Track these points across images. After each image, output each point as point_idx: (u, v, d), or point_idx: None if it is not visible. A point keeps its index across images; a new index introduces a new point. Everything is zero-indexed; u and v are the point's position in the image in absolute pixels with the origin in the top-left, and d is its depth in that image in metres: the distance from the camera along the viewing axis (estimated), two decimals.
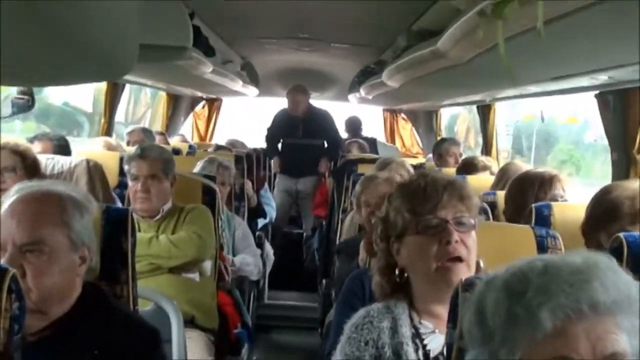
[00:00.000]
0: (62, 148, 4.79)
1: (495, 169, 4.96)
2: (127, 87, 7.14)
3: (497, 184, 4.21)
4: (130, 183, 3.80)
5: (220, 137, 9.72)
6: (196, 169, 5.04)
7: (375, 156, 7.28)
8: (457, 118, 9.77)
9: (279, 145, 8.12)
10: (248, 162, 6.69)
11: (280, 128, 7.98)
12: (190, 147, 7.58)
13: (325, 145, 8.07)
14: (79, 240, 2.03)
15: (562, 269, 1.25)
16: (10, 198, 2.01)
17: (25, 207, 1.97)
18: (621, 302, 1.23)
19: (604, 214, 2.67)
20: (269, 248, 6.61)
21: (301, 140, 7.84)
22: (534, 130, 7.78)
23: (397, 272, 2.08)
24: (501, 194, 3.92)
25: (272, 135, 8.09)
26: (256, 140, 8.74)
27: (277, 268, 7.19)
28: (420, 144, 9.87)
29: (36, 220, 1.96)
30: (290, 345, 6.29)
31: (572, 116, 6.58)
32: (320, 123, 7.97)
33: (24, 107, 3.42)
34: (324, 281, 4.92)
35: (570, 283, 1.23)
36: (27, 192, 2.02)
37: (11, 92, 3.57)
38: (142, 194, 3.71)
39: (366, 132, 9.85)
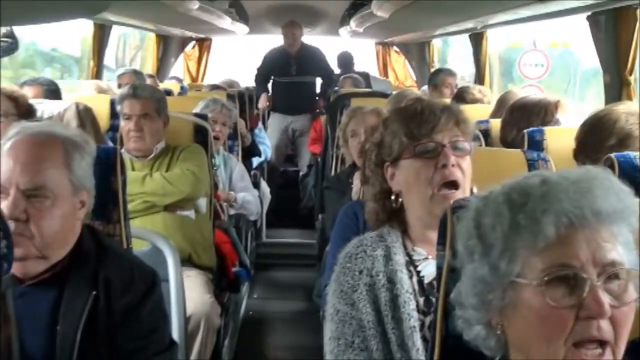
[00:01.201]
0: (53, 92, 4.75)
1: (490, 98, 4.95)
2: (115, 30, 7.06)
3: (497, 113, 4.20)
4: (122, 123, 3.78)
5: (212, 77, 9.66)
6: (197, 108, 5.05)
7: (368, 90, 7.25)
8: (449, 49, 9.70)
9: (269, 85, 8.07)
10: (241, 100, 6.65)
11: (272, 66, 7.91)
12: (182, 87, 7.54)
13: (317, 82, 8.04)
14: (79, 184, 2.00)
15: (561, 181, 1.27)
16: (10, 139, 1.95)
17: (28, 151, 1.92)
18: (621, 211, 1.26)
19: (594, 138, 2.66)
20: (265, 186, 6.62)
21: (295, 78, 7.81)
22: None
23: (392, 198, 2.08)
24: (495, 122, 3.94)
25: (264, 73, 8.03)
26: (248, 78, 8.67)
27: (275, 206, 7.24)
28: (414, 77, 9.81)
29: (40, 166, 1.91)
30: (290, 282, 6.33)
31: (564, 42, 6.55)
32: (313, 59, 7.96)
33: (8, 49, 3.38)
34: (320, 217, 4.93)
35: (572, 191, 1.25)
36: (28, 133, 1.96)
37: None
38: (135, 133, 3.70)
39: (359, 67, 9.79)
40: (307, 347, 4.76)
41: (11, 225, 1.82)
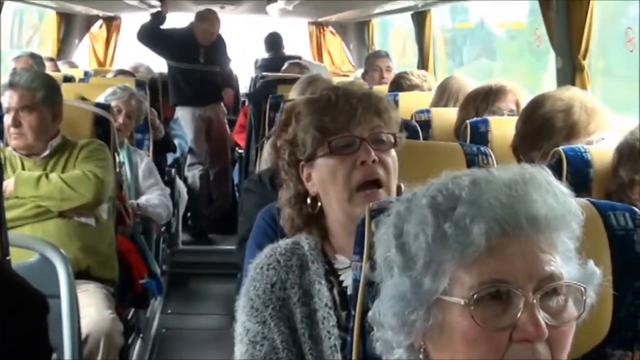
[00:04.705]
0: None
1: (431, 84, 4.96)
2: (9, 7, 6.89)
3: (439, 101, 4.20)
4: (4, 116, 3.68)
5: (122, 62, 9.52)
6: (102, 96, 5.00)
7: (297, 75, 7.21)
8: (390, 29, 9.73)
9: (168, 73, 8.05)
10: (153, 88, 6.57)
11: (176, 48, 7.80)
12: (85, 73, 7.43)
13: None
14: None
15: (493, 182, 1.24)
16: None
17: None
18: (561, 217, 1.23)
19: (535, 131, 2.67)
20: (181, 186, 6.56)
21: (204, 67, 7.76)
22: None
23: (308, 201, 2.04)
24: (437, 112, 3.92)
25: (162, 35, 7.93)
26: (163, 63, 8.55)
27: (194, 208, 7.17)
28: (352, 61, 9.82)
29: None
30: (210, 294, 6.32)
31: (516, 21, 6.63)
32: (221, 48, 8.06)
33: None
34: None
35: (505, 194, 1.22)
36: None
37: None
38: (14, 129, 3.61)
39: (290, 49, 9.75)
40: None
41: None
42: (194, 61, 7.74)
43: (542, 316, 1.19)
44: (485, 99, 3.48)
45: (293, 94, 4.10)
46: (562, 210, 1.24)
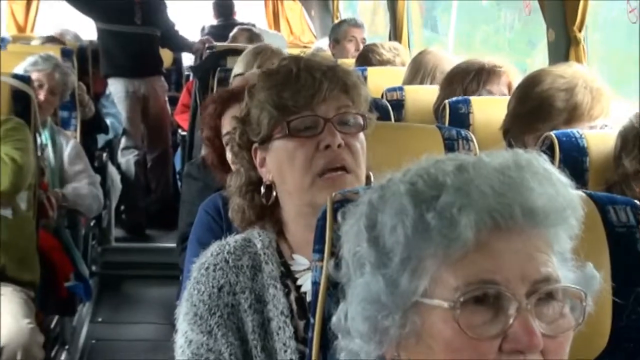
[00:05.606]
0: None
1: (404, 58, 4.97)
2: None
3: (412, 79, 4.21)
4: None
5: (46, 28, 9.46)
6: (20, 68, 5.00)
7: (249, 45, 7.20)
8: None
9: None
10: (81, 58, 6.53)
11: (110, 4, 7.66)
12: (2, 39, 7.37)
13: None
14: None
15: (483, 168, 1.24)
16: None
17: None
18: (561, 211, 1.24)
19: (532, 110, 2.67)
20: (113, 173, 6.54)
21: (140, 29, 7.67)
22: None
23: (262, 190, 2.03)
24: (411, 90, 3.93)
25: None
26: (93, 31, 8.50)
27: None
28: (313, 31, 9.82)
29: None
30: (147, 299, 6.33)
31: None
32: (159, 6, 7.96)
33: None
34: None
35: (499, 182, 1.22)
36: None
37: None
38: None
39: (242, 16, 9.74)
40: None
41: None
42: (129, 22, 7.63)
43: (536, 324, 1.19)
44: (476, 79, 3.47)
45: (238, 67, 4.08)
46: (562, 202, 1.25)
